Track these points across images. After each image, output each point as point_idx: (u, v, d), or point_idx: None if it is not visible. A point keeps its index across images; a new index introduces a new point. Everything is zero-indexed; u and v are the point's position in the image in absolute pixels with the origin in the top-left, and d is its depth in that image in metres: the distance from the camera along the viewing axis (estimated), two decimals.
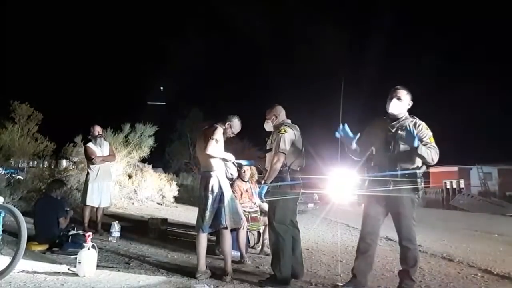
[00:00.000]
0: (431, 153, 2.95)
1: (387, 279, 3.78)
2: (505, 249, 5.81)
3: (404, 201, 3.06)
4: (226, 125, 3.76)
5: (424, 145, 2.96)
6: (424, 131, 3.09)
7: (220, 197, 3.55)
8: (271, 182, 3.52)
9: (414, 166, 3.08)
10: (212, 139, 3.54)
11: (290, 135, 3.51)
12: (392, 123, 3.19)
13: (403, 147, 3.06)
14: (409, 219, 3.06)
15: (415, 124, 3.11)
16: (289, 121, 3.72)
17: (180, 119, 26.07)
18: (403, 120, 3.17)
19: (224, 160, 3.69)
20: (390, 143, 3.12)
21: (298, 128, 3.69)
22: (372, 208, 3.23)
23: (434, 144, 3.06)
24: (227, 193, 3.60)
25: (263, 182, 3.73)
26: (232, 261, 3.68)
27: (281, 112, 3.73)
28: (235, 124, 3.82)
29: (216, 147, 3.56)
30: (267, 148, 3.67)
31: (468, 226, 9.53)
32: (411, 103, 3.23)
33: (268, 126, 3.74)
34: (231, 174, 3.73)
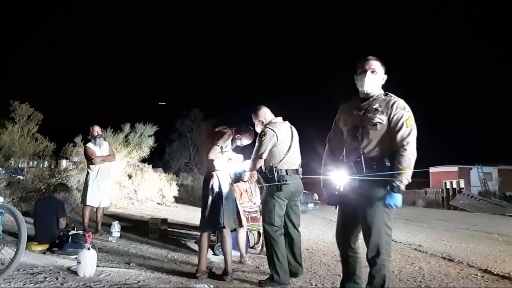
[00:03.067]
0: (408, 155, 2.36)
1: None
2: (505, 249, 5.81)
3: (372, 202, 2.47)
4: (236, 135, 3.74)
5: (398, 130, 2.42)
6: (399, 111, 2.46)
7: (219, 197, 3.55)
8: (267, 184, 3.52)
9: (387, 154, 2.47)
10: (217, 145, 3.53)
11: (270, 137, 3.46)
12: (362, 104, 2.60)
13: (372, 133, 2.50)
14: (378, 225, 2.46)
15: (388, 103, 2.51)
16: (278, 119, 3.70)
17: (180, 119, 26.10)
18: (374, 99, 2.58)
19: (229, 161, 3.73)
20: (357, 129, 2.55)
21: (287, 125, 3.66)
22: (342, 213, 2.73)
23: (411, 129, 2.44)
24: (227, 194, 3.60)
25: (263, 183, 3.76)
26: (232, 261, 3.68)
27: (265, 114, 3.70)
28: (246, 136, 3.79)
29: (219, 154, 3.56)
30: None
31: (468, 226, 9.54)
32: (385, 77, 2.63)
33: (259, 130, 3.73)
34: (239, 174, 3.81)
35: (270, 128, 3.53)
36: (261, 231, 5.04)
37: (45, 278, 3.18)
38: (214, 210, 3.55)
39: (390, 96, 2.58)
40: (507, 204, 17.52)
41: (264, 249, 4.79)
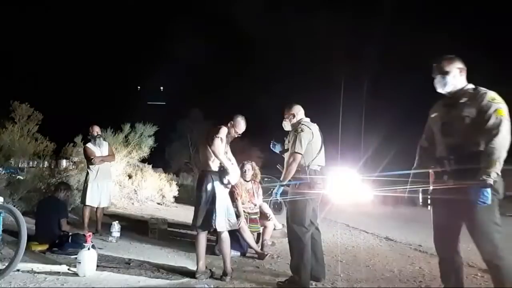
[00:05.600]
0: (497, 146, 2.27)
1: (387, 279, 3.78)
2: (505, 249, 5.80)
3: (471, 202, 2.33)
4: (229, 124, 3.69)
5: (487, 121, 2.33)
6: (488, 103, 2.38)
7: (212, 198, 3.49)
8: (298, 182, 3.40)
9: (479, 149, 2.37)
10: (217, 137, 3.48)
11: (307, 134, 3.40)
12: (449, 100, 2.59)
13: (463, 128, 2.43)
14: (485, 223, 2.37)
15: (475, 96, 2.45)
16: (307, 119, 3.62)
17: (180, 119, 26.09)
18: (462, 94, 2.53)
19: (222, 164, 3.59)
20: (446, 125, 2.53)
21: (317, 127, 3.60)
22: (440, 216, 2.62)
23: (502, 119, 2.32)
24: (220, 195, 3.53)
25: (279, 181, 3.59)
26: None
27: (299, 111, 3.62)
28: (238, 123, 3.70)
29: (220, 145, 3.50)
30: (285, 148, 3.59)
31: None
32: (463, 68, 2.57)
33: (287, 125, 3.65)
34: (228, 181, 3.54)
35: (305, 125, 3.46)
36: (261, 231, 5.04)
37: (45, 278, 3.18)
38: (207, 211, 3.49)
39: (479, 89, 2.51)
40: (507, 204, 17.52)
41: (264, 249, 4.80)
